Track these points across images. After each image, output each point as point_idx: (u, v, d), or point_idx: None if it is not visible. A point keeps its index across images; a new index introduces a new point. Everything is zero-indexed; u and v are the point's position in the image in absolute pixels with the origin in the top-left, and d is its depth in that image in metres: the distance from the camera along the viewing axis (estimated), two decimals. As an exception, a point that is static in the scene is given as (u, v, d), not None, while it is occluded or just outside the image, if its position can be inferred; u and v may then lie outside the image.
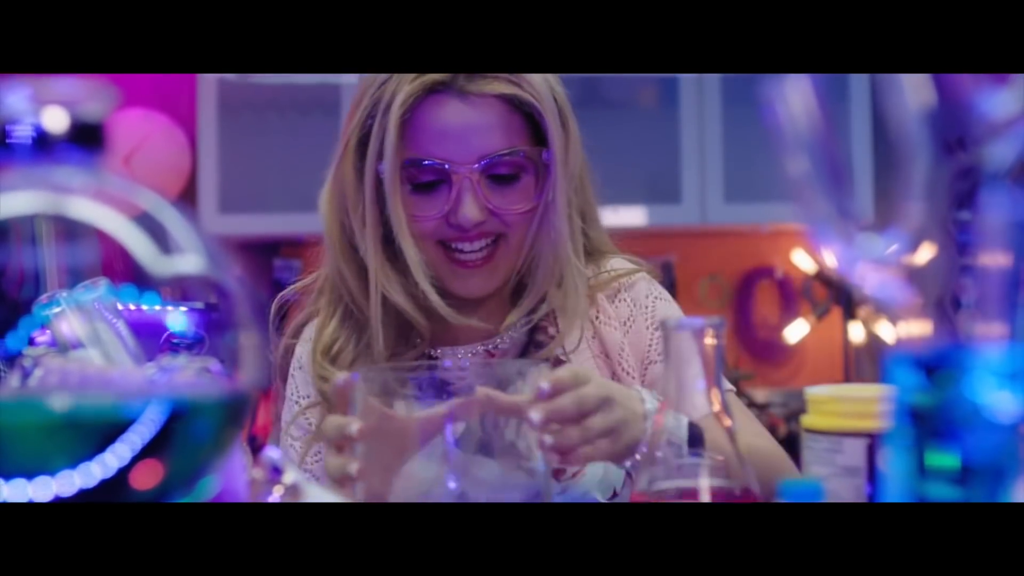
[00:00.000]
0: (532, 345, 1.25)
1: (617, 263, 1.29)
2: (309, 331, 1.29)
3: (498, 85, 1.15)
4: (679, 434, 0.98)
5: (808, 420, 0.83)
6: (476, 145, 1.15)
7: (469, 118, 1.15)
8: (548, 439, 0.87)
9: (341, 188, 1.21)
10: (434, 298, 1.18)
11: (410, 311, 1.20)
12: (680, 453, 0.90)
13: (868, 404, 0.81)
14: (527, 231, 1.19)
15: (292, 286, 1.34)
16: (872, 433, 0.80)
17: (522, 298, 1.23)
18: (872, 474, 0.80)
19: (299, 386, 1.29)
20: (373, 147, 1.16)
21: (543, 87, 1.17)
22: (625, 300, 1.26)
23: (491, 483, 0.83)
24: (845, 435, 0.81)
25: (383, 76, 1.17)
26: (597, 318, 1.25)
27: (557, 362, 1.23)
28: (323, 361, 1.23)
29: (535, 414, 0.86)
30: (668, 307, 1.28)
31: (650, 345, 1.24)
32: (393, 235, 1.17)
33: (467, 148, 1.15)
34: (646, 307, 1.26)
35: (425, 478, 0.83)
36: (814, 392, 0.84)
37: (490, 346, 1.26)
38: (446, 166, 1.15)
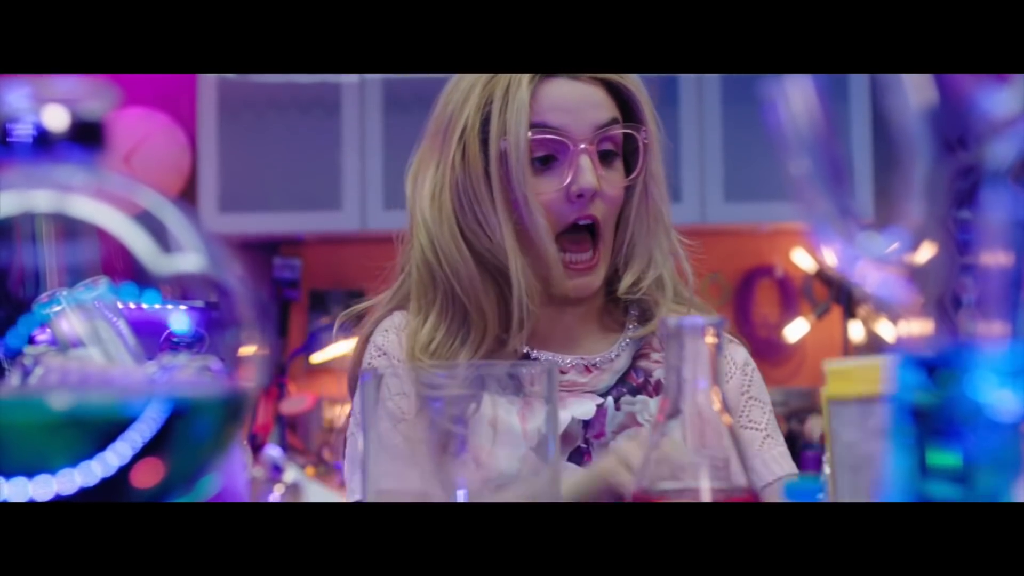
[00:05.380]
0: (633, 370, 1.30)
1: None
2: (390, 322, 1.32)
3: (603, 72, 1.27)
4: None
5: (833, 390, 0.83)
6: (589, 118, 1.24)
7: (583, 94, 1.25)
8: None
9: (464, 172, 1.25)
10: (554, 257, 1.23)
11: (534, 282, 1.24)
12: None
13: (879, 369, 0.81)
14: (613, 219, 1.27)
15: (362, 303, 1.39)
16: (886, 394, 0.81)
17: (626, 271, 1.30)
18: None
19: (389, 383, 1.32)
20: (498, 122, 1.23)
21: (637, 80, 1.30)
22: (725, 357, 1.31)
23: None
24: (874, 400, 0.81)
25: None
26: None
27: (660, 386, 1.28)
28: (423, 357, 1.25)
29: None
30: (761, 381, 1.34)
31: (742, 412, 1.30)
32: (520, 203, 1.23)
33: (582, 121, 1.24)
34: (745, 374, 1.33)
35: (508, 474, 0.83)
36: (837, 364, 0.84)
37: (588, 361, 1.30)
38: (564, 137, 1.23)
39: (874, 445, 0.79)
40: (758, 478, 1.23)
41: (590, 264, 1.26)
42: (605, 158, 1.26)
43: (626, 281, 1.29)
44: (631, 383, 1.29)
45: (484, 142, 1.24)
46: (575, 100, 1.24)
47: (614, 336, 1.32)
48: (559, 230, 1.24)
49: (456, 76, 1.28)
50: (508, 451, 0.83)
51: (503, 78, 1.23)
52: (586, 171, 1.22)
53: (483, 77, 1.25)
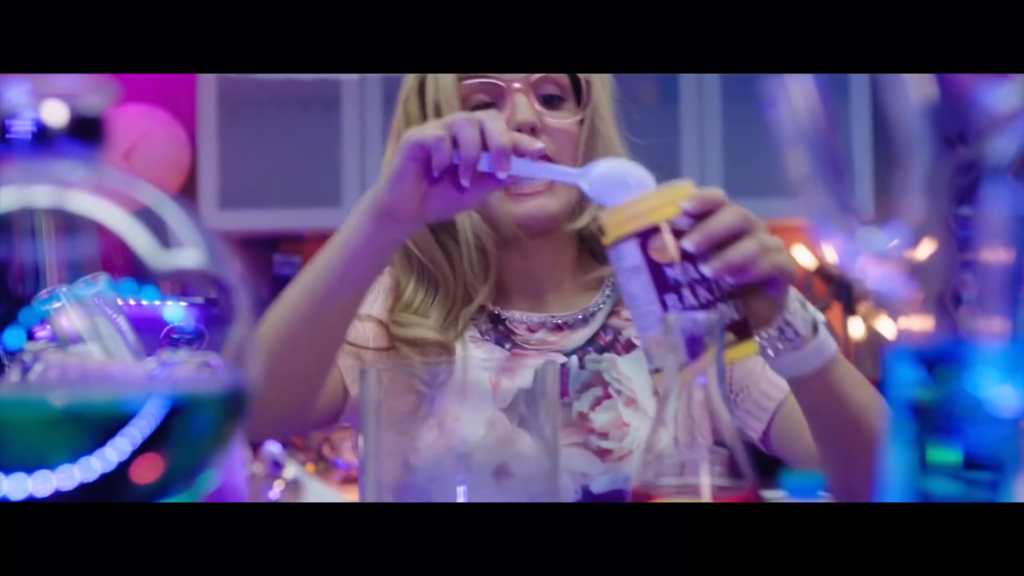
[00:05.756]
0: (602, 328, 1.28)
1: None
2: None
3: None
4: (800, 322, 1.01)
5: (607, 240, 0.94)
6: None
7: None
8: (716, 264, 0.91)
9: (405, 129, 1.25)
10: (494, 198, 1.22)
11: (481, 236, 1.24)
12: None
13: (630, 209, 0.93)
14: (575, 160, 1.23)
15: None
16: (639, 231, 0.92)
17: (584, 208, 1.28)
18: (652, 266, 0.91)
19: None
20: (431, 84, 1.23)
21: None
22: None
23: (527, 459, 0.83)
24: (621, 242, 0.92)
25: None
26: None
27: (629, 345, 1.27)
28: (405, 312, 1.27)
29: (690, 243, 0.91)
30: None
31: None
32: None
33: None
34: None
35: (472, 440, 0.83)
36: (609, 211, 0.95)
37: (559, 319, 1.29)
38: (496, 80, 1.21)
39: (633, 283, 0.91)
40: (768, 400, 1.22)
41: (540, 188, 1.23)
42: (549, 101, 1.23)
43: (585, 216, 1.27)
44: (599, 342, 1.27)
45: (422, 104, 1.24)
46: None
47: (591, 294, 1.31)
48: None
49: None
50: (474, 415, 0.83)
51: None
52: (521, 107, 1.19)
53: None
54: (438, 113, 1.22)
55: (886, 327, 3.17)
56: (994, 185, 0.50)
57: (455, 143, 1.00)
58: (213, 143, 3.21)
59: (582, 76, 1.24)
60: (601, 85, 1.26)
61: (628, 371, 1.26)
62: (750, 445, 1.24)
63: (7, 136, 0.50)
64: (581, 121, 1.24)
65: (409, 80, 1.26)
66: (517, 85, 1.20)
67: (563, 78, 1.23)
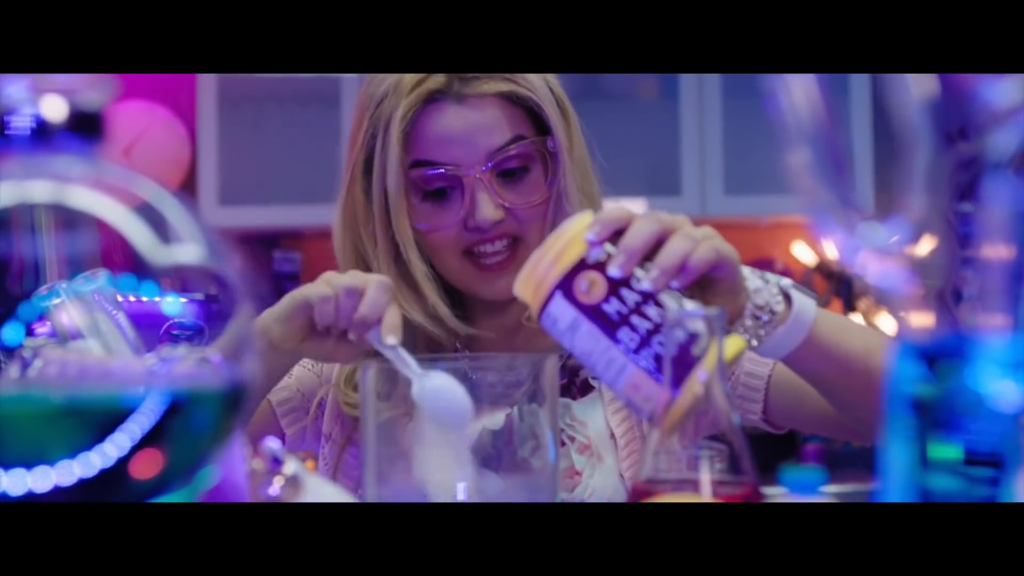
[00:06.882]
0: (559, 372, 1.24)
1: None
2: None
3: (494, 84, 1.15)
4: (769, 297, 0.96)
5: (532, 313, 0.88)
6: (482, 144, 1.15)
7: (470, 119, 1.15)
8: (653, 274, 0.85)
9: (352, 211, 1.22)
10: (443, 311, 1.18)
11: (429, 327, 1.18)
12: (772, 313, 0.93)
13: (538, 269, 0.87)
14: (543, 228, 1.16)
15: None
16: (557, 284, 0.86)
17: None
18: (588, 311, 0.85)
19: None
20: (378, 164, 1.16)
21: (537, 79, 1.17)
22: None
23: (491, 496, 0.83)
24: (546, 306, 0.87)
25: (379, 96, 1.16)
26: None
27: (585, 388, 1.23)
28: (347, 389, 1.22)
29: (615, 268, 0.86)
30: None
31: None
32: (402, 251, 1.16)
33: (473, 149, 1.14)
34: None
35: (431, 478, 0.83)
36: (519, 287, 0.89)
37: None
38: (455, 171, 1.14)
39: (580, 340, 0.86)
40: (756, 379, 1.19)
41: (504, 261, 1.17)
42: (511, 175, 1.16)
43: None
44: None
45: (367, 178, 1.19)
46: (462, 128, 1.14)
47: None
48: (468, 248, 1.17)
49: (368, 77, 1.20)
50: (434, 457, 0.82)
51: (385, 110, 1.15)
52: (482, 205, 1.14)
53: (373, 101, 1.17)
54: (385, 198, 1.16)
55: (887, 323, 3.17)
56: (995, 181, 0.50)
57: (338, 310, 0.99)
58: (213, 139, 3.21)
59: (549, 146, 1.17)
60: (569, 161, 1.18)
61: (583, 416, 1.21)
62: (750, 440, 1.23)
63: (6, 131, 0.50)
64: (548, 199, 1.17)
65: (358, 142, 1.19)
66: (476, 176, 1.13)
67: (525, 149, 1.16)
